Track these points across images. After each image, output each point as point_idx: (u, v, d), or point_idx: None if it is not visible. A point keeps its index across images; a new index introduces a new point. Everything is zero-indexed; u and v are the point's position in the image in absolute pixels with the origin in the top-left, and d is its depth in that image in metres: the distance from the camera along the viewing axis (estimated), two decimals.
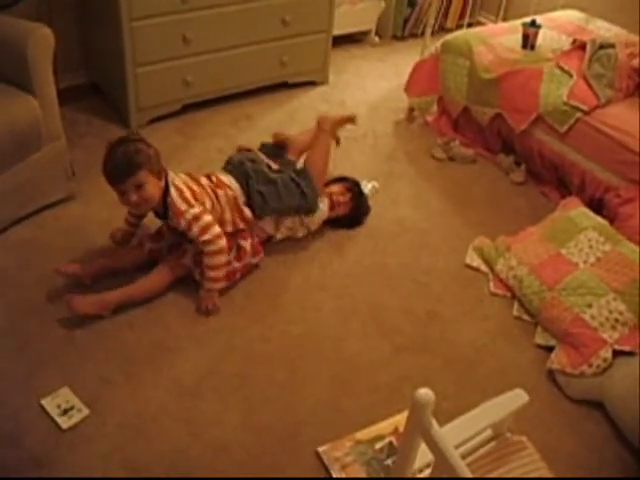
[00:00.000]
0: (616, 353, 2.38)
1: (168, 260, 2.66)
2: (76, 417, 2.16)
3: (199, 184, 2.67)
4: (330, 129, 3.03)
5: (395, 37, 5.03)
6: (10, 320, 2.48)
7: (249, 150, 3.00)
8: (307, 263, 2.88)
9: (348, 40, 4.81)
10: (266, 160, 2.94)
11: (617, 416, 2.27)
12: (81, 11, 3.70)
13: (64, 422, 2.14)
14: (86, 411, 2.18)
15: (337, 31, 4.32)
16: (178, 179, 2.61)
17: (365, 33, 4.91)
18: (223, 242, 2.56)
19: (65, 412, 2.17)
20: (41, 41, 2.69)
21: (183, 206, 2.52)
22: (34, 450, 2.07)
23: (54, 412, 2.17)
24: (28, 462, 2.03)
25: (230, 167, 2.84)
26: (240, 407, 2.27)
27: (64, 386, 2.26)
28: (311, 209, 2.89)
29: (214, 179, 2.74)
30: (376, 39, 4.91)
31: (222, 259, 2.57)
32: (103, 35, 3.53)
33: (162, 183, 2.54)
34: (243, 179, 2.76)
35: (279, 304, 2.68)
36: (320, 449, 2.14)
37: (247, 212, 2.74)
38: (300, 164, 2.98)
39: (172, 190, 2.54)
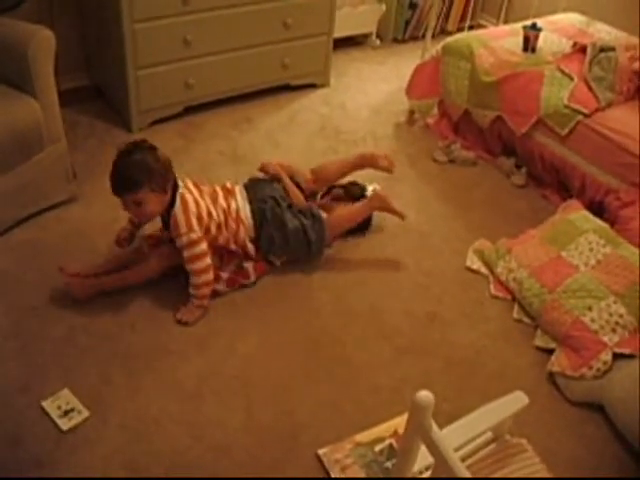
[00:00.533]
0: (616, 356, 2.38)
1: (165, 247, 2.66)
2: (76, 419, 2.17)
3: (214, 202, 2.65)
4: (376, 209, 2.97)
5: (396, 40, 5.03)
6: (11, 321, 2.49)
7: (278, 178, 2.91)
8: (308, 265, 2.88)
9: (349, 43, 4.82)
10: (291, 189, 2.89)
11: (617, 418, 2.27)
12: (82, 13, 3.71)
13: (64, 424, 2.15)
14: (86, 413, 2.19)
15: (338, 34, 4.32)
16: (189, 194, 2.55)
17: (366, 36, 4.92)
18: (208, 277, 2.55)
19: (66, 414, 2.18)
20: (42, 43, 2.70)
21: (183, 228, 2.48)
22: (35, 451, 2.07)
23: (55, 414, 2.17)
24: (29, 463, 2.04)
25: (252, 195, 2.78)
26: (241, 409, 2.28)
27: (65, 388, 2.26)
28: (312, 259, 2.89)
29: (232, 206, 2.70)
30: (377, 42, 4.92)
31: (205, 291, 2.57)
32: (104, 37, 3.54)
33: (167, 197, 2.49)
34: (259, 218, 2.73)
35: (280, 306, 2.68)
36: (320, 451, 2.14)
37: (250, 249, 2.75)
38: (322, 212, 2.88)
39: (178, 203, 2.50)
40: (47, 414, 2.17)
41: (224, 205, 2.68)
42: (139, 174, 2.39)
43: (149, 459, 2.08)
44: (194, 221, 2.50)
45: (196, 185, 2.66)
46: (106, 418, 2.19)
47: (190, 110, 3.79)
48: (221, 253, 2.71)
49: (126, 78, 3.43)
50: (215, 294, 2.66)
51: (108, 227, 2.89)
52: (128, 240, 2.72)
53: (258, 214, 2.73)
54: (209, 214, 2.59)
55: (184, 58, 3.56)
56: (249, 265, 2.74)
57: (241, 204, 2.73)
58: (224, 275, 2.68)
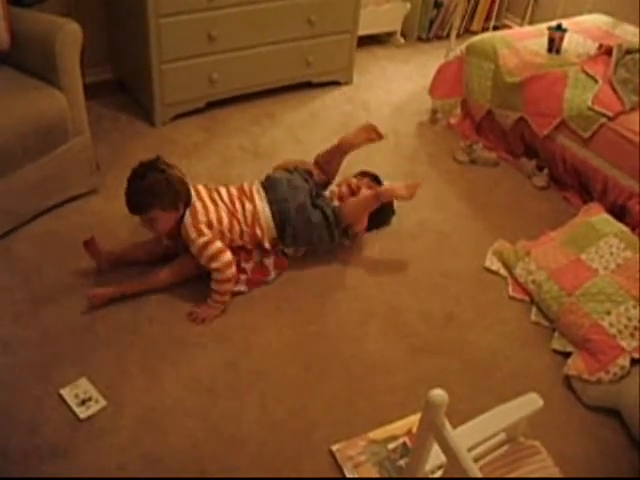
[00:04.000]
0: (634, 361, 2.36)
1: (184, 257, 2.66)
2: (94, 408, 2.19)
3: (226, 206, 2.66)
4: (384, 199, 2.84)
5: (420, 39, 5.02)
6: (32, 310, 2.52)
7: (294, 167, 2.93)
8: (326, 263, 2.89)
9: (373, 41, 4.82)
10: (310, 184, 2.87)
11: (633, 424, 2.25)
12: (108, 8, 3.74)
13: (82, 412, 2.17)
14: (103, 402, 2.21)
15: (362, 31, 4.32)
16: (198, 202, 2.60)
17: (390, 34, 4.91)
18: (231, 271, 2.56)
19: (83, 402, 2.20)
20: (69, 36, 2.73)
21: (193, 234, 2.53)
22: (52, 439, 2.10)
23: (72, 402, 2.20)
24: (46, 450, 2.07)
25: (272, 195, 2.74)
26: (256, 404, 2.29)
27: (82, 377, 2.29)
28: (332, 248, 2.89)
29: (248, 208, 2.68)
30: (401, 40, 4.91)
31: (228, 287, 2.58)
32: (130, 31, 3.57)
33: (180, 212, 2.56)
34: (281, 219, 2.71)
35: (297, 303, 2.69)
36: (334, 447, 2.15)
37: (267, 247, 2.74)
38: (336, 203, 2.89)
39: (187, 214, 2.56)
40: (65, 402, 2.20)
41: (238, 209, 2.68)
42: (149, 198, 2.50)
43: (164, 450, 2.10)
44: (203, 226, 2.55)
45: (209, 190, 2.69)
46: (122, 408, 2.22)
47: (213, 105, 3.82)
48: (238, 252, 2.72)
49: (150, 72, 3.46)
50: (237, 295, 2.67)
51: (128, 220, 2.90)
52: None
53: (279, 215, 2.71)
54: (219, 220, 2.61)
55: (208, 53, 3.58)
56: (269, 262, 2.75)
57: (260, 206, 2.71)
58: (243, 277, 2.69)
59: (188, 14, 3.38)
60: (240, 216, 2.67)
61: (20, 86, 2.75)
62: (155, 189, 2.49)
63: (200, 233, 2.54)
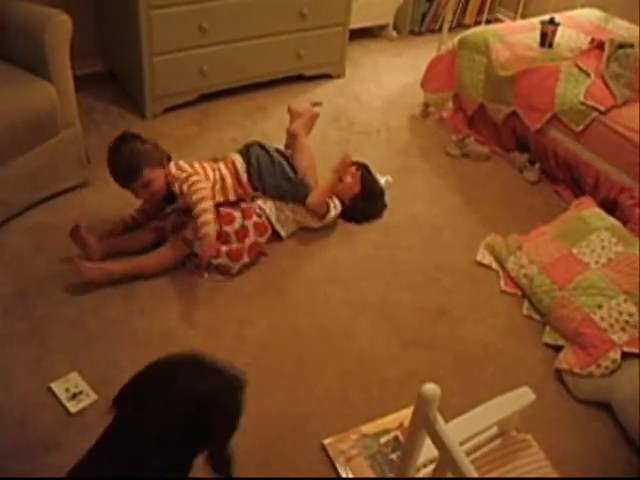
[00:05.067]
0: (625, 355, 2.37)
1: (173, 238, 2.71)
2: (84, 402, 2.18)
3: (203, 164, 2.83)
4: (305, 131, 3.13)
5: (412, 32, 5.01)
6: (22, 303, 2.50)
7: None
8: (318, 255, 2.89)
9: (365, 34, 4.81)
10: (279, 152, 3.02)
11: (624, 418, 2.26)
12: None
13: (72, 406, 2.16)
14: (94, 396, 2.20)
15: (354, 25, 4.31)
16: (181, 161, 2.78)
17: (382, 27, 4.90)
18: (207, 204, 2.61)
19: (74, 396, 2.19)
20: (59, 27, 2.71)
21: (175, 173, 2.69)
22: (43, 433, 2.09)
23: (63, 396, 2.19)
24: (36, 445, 2.05)
25: (241, 147, 3.01)
26: (248, 397, 2.27)
27: (73, 371, 2.27)
28: (300, 195, 2.93)
29: (220, 158, 2.93)
30: (393, 33, 4.90)
31: (207, 217, 2.58)
32: (120, 23, 3.54)
33: (166, 168, 2.72)
34: (246, 153, 2.92)
35: (289, 296, 2.69)
36: (326, 441, 2.15)
37: (244, 179, 2.85)
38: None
39: (172, 166, 2.72)
40: (55, 396, 2.19)
41: (214, 163, 2.87)
42: (135, 160, 2.63)
43: None
44: (188, 168, 2.72)
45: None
46: None
47: (204, 98, 3.80)
48: (219, 216, 2.74)
49: (141, 64, 3.44)
50: (221, 270, 2.70)
51: (118, 212, 2.89)
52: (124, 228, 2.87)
53: (245, 151, 2.94)
54: (199, 162, 2.80)
55: (199, 45, 3.56)
56: (249, 223, 2.78)
57: (231, 154, 2.95)
58: (224, 249, 2.70)
59: (179, 6, 3.36)
60: (214, 163, 2.86)
61: (9, 78, 2.73)
62: (135, 152, 2.63)
63: (181, 169, 2.70)
